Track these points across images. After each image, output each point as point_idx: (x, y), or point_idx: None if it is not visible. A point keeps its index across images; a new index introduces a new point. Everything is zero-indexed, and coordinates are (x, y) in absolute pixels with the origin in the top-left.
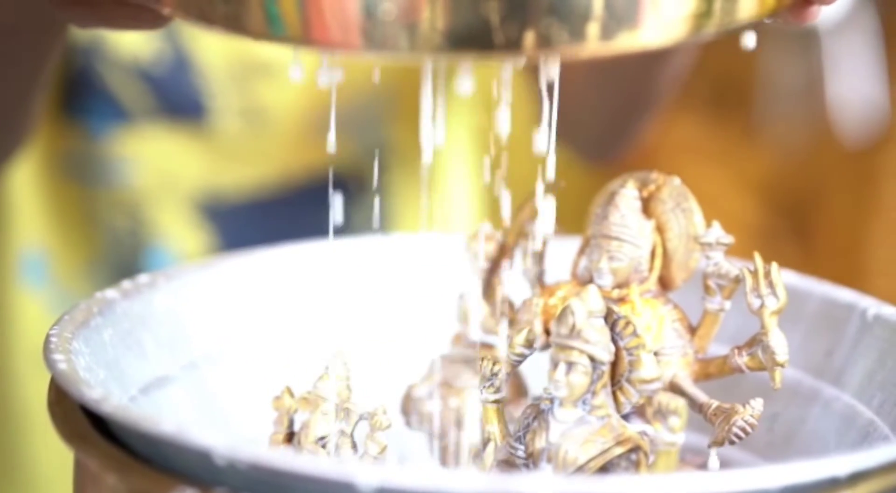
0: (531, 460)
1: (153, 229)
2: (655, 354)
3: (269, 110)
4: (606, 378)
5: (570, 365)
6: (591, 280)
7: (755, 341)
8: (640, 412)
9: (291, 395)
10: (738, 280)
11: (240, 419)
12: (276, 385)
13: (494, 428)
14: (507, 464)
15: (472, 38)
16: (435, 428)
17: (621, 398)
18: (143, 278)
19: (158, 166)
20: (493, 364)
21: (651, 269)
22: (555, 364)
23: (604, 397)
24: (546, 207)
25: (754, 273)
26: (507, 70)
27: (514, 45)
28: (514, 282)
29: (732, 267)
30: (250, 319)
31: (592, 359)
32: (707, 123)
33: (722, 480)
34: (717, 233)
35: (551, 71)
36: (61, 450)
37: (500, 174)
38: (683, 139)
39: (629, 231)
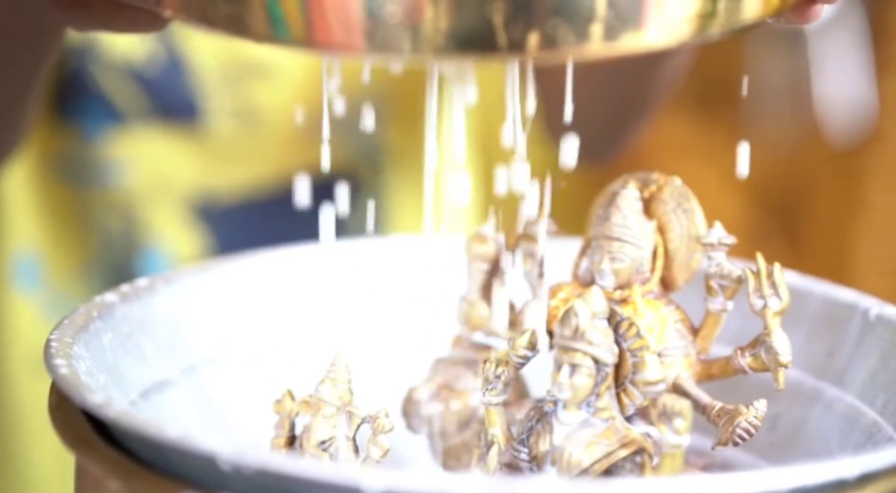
0: (535, 463)
1: (147, 231)
2: (658, 355)
3: (262, 111)
4: (610, 380)
5: (573, 367)
6: (592, 281)
7: (758, 342)
8: (644, 413)
9: (293, 398)
10: (740, 281)
11: (240, 423)
12: (277, 389)
13: (497, 431)
14: (511, 467)
15: (475, 39)
16: (436, 430)
17: (625, 400)
18: (142, 282)
19: (152, 168)
20: (497, 366)
21: (653, 270)
22: (558, 366)
23: (608, 399)
24: (545, 207)
25: (757, 274)
26: (512, 73)
27: (517, 47)
28: (515, 284)
29: (735, 268)
30: (250, 322)
31: (596, 361)
32: (695, 123)
33: (730, 482)
34: (719, 233)
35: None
36: (57, 453)
37: (499, 175)
38: (671, 138)
39: (631, 232)
